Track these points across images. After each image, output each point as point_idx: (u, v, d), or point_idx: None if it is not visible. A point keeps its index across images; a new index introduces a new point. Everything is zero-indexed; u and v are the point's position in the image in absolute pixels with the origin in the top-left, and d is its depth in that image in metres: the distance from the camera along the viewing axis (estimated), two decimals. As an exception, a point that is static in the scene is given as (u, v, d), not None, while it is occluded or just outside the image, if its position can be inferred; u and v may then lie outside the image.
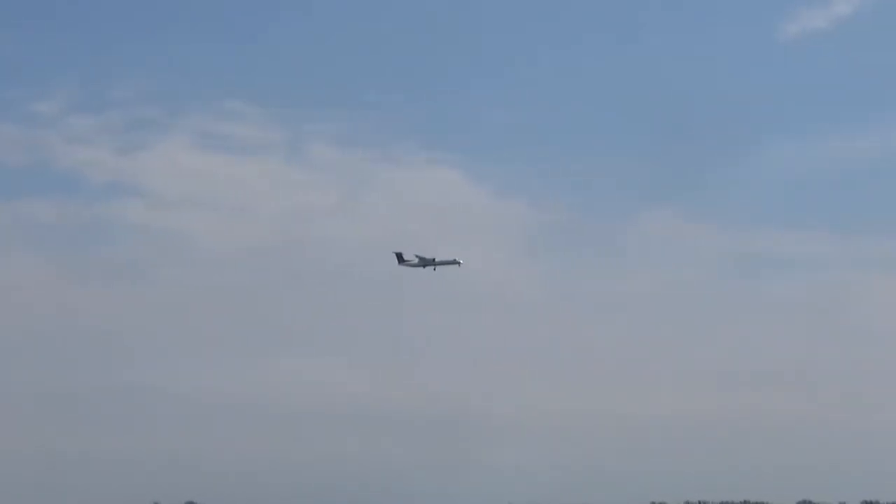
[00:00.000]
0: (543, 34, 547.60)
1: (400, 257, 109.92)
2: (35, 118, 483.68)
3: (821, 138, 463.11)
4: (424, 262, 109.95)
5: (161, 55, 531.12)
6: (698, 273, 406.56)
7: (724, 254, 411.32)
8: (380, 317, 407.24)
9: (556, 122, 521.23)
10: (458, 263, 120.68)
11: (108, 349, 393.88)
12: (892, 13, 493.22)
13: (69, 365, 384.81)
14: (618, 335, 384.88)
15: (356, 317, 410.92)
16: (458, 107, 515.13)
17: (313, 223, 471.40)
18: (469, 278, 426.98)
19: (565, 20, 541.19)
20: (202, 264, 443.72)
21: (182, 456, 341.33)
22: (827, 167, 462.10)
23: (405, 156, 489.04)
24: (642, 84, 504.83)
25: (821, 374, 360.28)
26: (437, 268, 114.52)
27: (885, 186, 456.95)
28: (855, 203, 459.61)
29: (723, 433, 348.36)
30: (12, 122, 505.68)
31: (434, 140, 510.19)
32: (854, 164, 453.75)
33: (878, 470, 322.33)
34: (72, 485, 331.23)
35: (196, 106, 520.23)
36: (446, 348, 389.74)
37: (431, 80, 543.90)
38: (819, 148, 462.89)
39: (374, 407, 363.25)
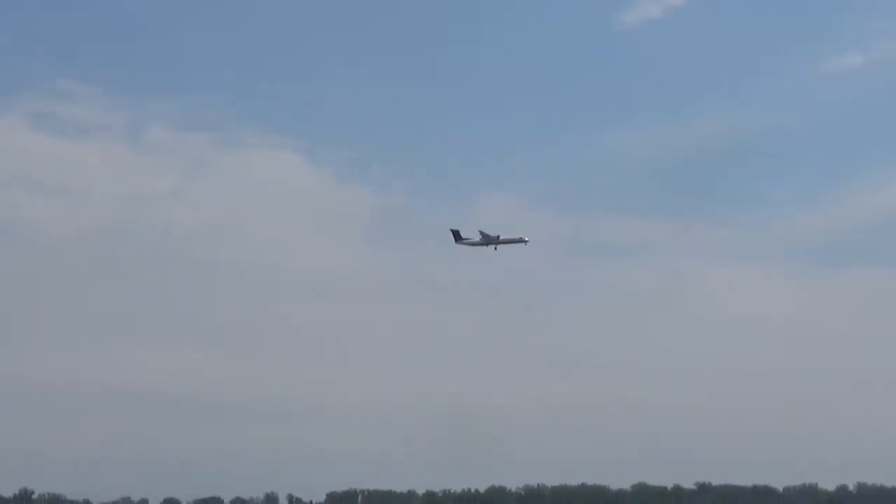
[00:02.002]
0: (384, 21, 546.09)
1: (457, 235, 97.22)
2: None
3: (656, 126, 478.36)
4: (487, 241, 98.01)
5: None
6: (536, 259, 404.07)
7: (562, 240, 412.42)
8: (216, 301, 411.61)
9: (397, 107, 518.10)
10: (525, 241, 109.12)
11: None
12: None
13: None
14: (455, 320, 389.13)
15: (195, 301, 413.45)
16: (299, 91, 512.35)
17: (151, 207, 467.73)
18: (309, 261, 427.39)
19: (401, 11, 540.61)
20: (36, 248, 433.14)
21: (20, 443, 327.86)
22: (662, 155, 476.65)
23: (245, 139, 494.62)
24: (482, 72, 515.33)
25: (656, 358, 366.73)
26: (499, 247, 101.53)
27: (719, 174, 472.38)
28: (690, 191, 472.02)
29: (558, 417, 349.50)
30: None
31: (275, 124, 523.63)
32: (688, 151, 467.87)
33: (712, 452, 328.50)
34: None
35: (30, 86, 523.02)
36: (280, 334, 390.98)
37: (272, 64, 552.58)
38: (655, 136, 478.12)
39: (215, 392, 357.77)
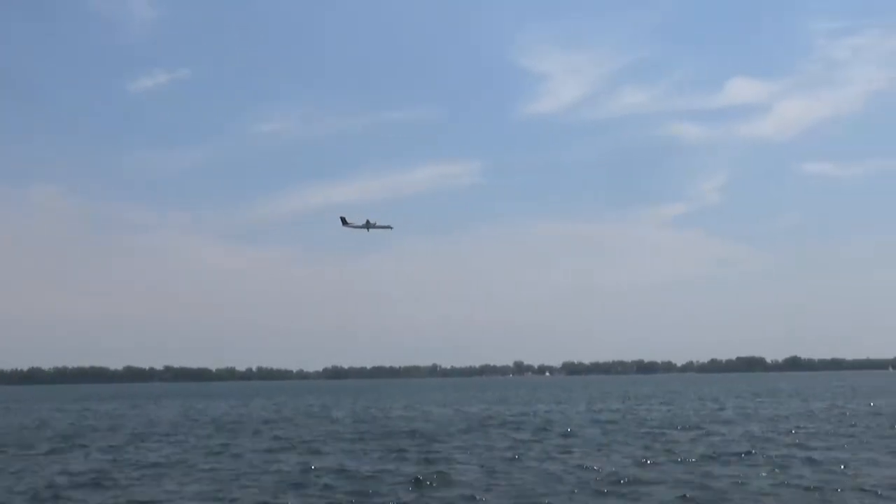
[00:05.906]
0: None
1: (344, 220, 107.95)
2: None
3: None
4: (367, 225, 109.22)
5: None
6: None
7: (91, 222, 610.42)
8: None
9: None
10: (391, 228, 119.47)
11: None
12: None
13: None
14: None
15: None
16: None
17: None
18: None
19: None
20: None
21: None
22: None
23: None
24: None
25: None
26: (371, 230, 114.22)
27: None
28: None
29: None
30: None
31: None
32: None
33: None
34: None
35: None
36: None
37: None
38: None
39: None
